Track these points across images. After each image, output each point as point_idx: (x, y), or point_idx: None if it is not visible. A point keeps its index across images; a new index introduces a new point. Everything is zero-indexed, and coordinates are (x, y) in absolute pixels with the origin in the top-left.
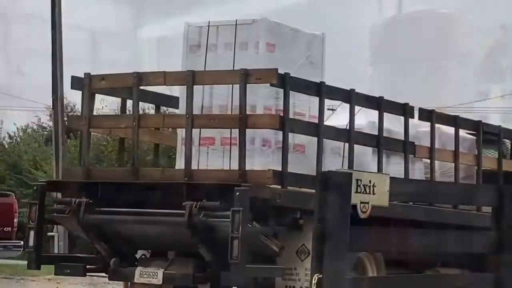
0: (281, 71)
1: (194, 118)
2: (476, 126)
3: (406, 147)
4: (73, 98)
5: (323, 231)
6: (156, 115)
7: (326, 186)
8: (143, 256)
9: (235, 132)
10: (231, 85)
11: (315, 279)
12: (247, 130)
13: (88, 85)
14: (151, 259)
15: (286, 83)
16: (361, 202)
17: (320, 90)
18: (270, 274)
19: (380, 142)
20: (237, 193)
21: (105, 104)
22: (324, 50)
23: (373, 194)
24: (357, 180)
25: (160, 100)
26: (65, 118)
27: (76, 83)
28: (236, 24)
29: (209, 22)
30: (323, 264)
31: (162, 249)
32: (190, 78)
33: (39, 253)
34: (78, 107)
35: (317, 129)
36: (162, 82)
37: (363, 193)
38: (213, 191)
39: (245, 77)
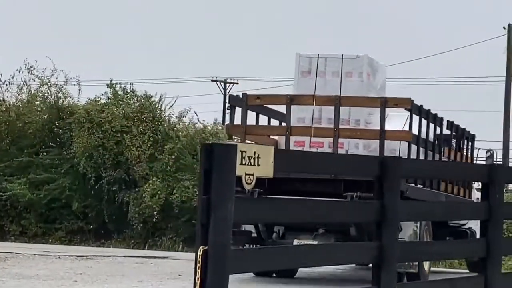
0: (371, 94)
1: (340, 131)
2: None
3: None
4: None
5: (208, 203)
6: (305, 127)
7: (211, 158)
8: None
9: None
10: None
11: (200, 251)
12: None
13: (245, 102)
14: (295, 233)
15: (412, 107)
16: (246, 174)
17: (421, 111)
18: None
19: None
20: None
21: None
22: (385, 75)
23: (258, 165)
24: (241, 152)
25: (272, 114)
26: None
27: (233, 100)
28: (342, 58)
29: (318, 54)
30: (208, 236)
31: (313, 226)
32: (338, 101)
33: None
34: None
35: (417, 140)
36: (311, 103)
37: (248, 164)
38: (364, 185)
39: (385, 103)
